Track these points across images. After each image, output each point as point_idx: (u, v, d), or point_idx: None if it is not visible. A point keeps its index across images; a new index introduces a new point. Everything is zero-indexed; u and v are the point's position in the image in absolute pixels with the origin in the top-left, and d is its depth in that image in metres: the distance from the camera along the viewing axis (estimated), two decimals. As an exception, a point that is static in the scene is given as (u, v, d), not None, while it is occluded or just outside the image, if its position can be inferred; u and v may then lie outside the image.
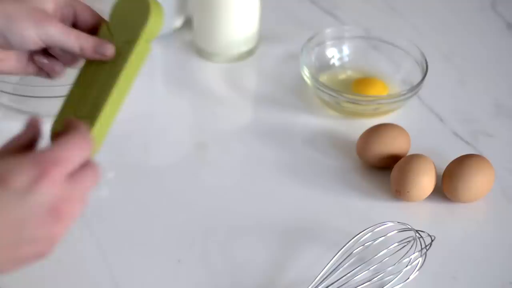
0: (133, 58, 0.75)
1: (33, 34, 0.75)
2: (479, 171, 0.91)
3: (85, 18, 0.78)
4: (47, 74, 0.81)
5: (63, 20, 0.77)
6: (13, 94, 0.97)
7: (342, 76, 1.09)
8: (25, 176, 0.59)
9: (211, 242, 0.88)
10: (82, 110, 0.74)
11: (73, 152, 0.62)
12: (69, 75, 1.07)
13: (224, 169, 0.97)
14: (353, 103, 1.01)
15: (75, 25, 0.78)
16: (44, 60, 0.79)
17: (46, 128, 1.00)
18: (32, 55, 0.80)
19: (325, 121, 1.04)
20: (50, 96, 0.96)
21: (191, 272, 0.86)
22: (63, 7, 0.77)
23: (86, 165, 0.63)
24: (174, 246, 0.88)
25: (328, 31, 1.09)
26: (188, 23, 1.16)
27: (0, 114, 1.02)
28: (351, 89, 1.06)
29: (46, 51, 0.80)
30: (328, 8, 1.22)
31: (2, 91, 0.97)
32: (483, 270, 0.87)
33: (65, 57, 0.80)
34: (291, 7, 1.22)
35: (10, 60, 0.79)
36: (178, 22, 1.16)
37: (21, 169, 0.60)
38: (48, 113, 1.00)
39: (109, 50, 0.76)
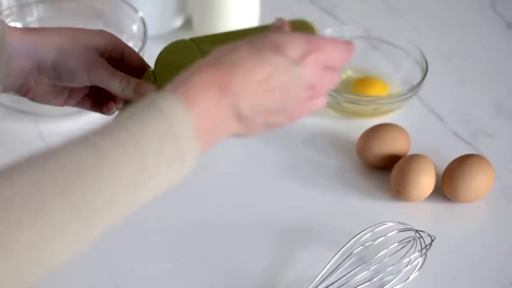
0: None
1: (84, 73, 0.76)
2: (479, 171, 0.91)
3: (132, 62, 0.80)
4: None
5: (110, 62, 0.78)
6: (13, 94, 0.97)
7: (342, 76, 1.09)
8: (299, 50, 0.67)
9: (211, 242, 0.88)
10: None
11: (336, 50, 0.70)
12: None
13: (224, 169, 0.97)
14: (353, 103, 1.01)
15: (120, 68, 0.79)
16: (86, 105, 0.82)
17: (46, 128, 1.00)
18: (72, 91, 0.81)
19: (325, 121, 1.04)
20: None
21: (191, 272, 0.86)
22: (112, 50, 0.78)
23: (335, 69, 0.71)
24: (174, 246, 0.88)
25: (328, 31, 1.09)
26: (188, 23, 1.16)
27: (0, 114, 1.02)
28: (351, 89, 1.06)
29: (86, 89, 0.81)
30: (328, 8, 1.22)
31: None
32: (483, 270, 0.87)
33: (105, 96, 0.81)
34: (291, 7, 1.22)
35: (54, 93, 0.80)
36: (178, 22, 1.16)
37: (296, 42, 0.67)
38: (48, 113, 1.01)
39: (149, 91, 0.76)
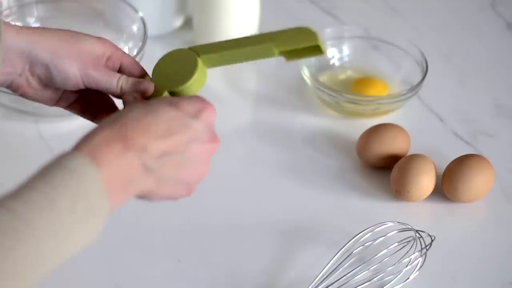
0: None
1: (77, 74, 0.76)
2: (479, 171, 0.91)
3: (130, 70, 0.79)
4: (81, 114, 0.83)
5: (108, 68, 0.78)
6: (13, 94, 0.97)
7: (342, 76, 1.09)
8: (195, 106, 0.71)
9: (211, 242, 0.88)
10: None
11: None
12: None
13: (224, 169, 0.97)
14: (353, 103, 1.01)
15: None
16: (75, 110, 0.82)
17: (46, 128, 1.00)
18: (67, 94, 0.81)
19: (325, 121, 1.04)
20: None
21: (191, 272, 0.86)
22: (110, 57, 0.78)
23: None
24: (174, 246, 0.88)
25: (328, 31, 1.09)
26: (188, 23, 1.16)
27: (0, 114, 1.02)
28: (351, 89, 1.06)
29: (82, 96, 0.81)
30: (328, 8, 1.22)
31: (2, 91, 0.97)
32: (483, 270, 0.87)
33: (102, 104, 0.81)
34: (291, 7, 1.22)
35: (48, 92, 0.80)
36: (178, 22, 1.16)
37: (191, 100, 0.72)
38: (48, 113, 1.00)
39: (148, 87, 0.77)
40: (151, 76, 0.79)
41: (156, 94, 0.77)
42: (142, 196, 0.69)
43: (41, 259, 0.61)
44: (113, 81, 0.77)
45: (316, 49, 0.77)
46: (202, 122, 0.71)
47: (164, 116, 0.69)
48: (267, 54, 0.79)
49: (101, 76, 0.77)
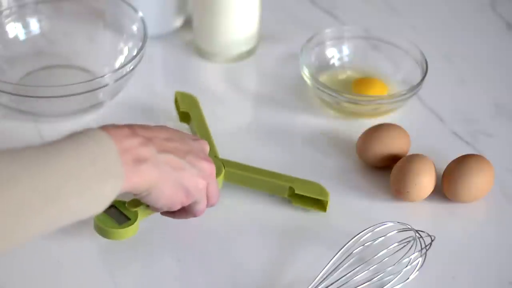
0: None
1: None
2: (479, 171, 0.91)
3: None
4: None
5: None
6: (13, 94, 0.97)
7: (342, 76, 1.09)
8: (192, 136, 0.85)
9: (211, 242, 0.89)
10: None
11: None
12: (68, 76, 1.07)
13: (224, 169, 0.97)
14: (353, 103, 1.01)
15: None
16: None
17: (46, 128, 1.00)
18: None
19: (325, 121, 1.04)
20: (50, 96, 0.96)
21: (191, 272, 0.86)
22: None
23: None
24: (174, 246, 0.88)
25: (328, 31, 1.09)
26: (188, 23, 1.16)
27: (0, 114, 1.02)
28: (351, 89, 1.06)
29: None
30: (328, 8, 1.22)
31: (2, 91, 0.97)
32: (483, 270, 0.88)
33: None
34: (291, 7, 1.22)
35: None
36: (178, 22, 1.16)
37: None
38: (48, 113, 1.01)
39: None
40: None
41: None
42: (149, 189, 0.76)
43: (75, 187, 0.68)
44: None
45: (320, 205, 0.91)
46: (199, 144, 0.83)
47: (168, 130, 0.81)
48: (278, 191, 0.91)
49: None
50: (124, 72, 0.99)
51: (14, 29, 1.08)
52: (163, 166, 0.77)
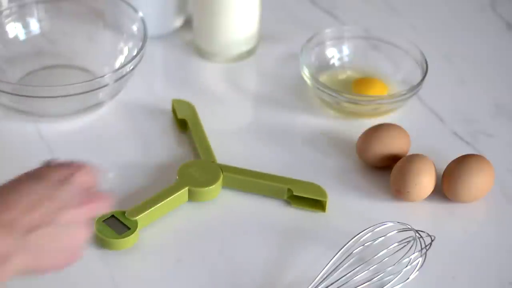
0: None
1: None
2: (479, 171, 0.91)
3: None
4: None
5: None
6: (13, 94, 0.97)
7: (342, 76, 1.09)
8: (61, 174, 0.72)
9: (211, 242, 0.89)
10: None
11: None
12: (68, 76, 1.07)
13: (224, 169, 0.97)
14: (353, 103, 1.01)
15: None
16: None
17: (46, 128, 1.00)
18: None
19: (325, 121, 1.04)
20: (50, 96, 0.96)
21: (191, 272, 0.86)
22: None
23: None
24: (174, 246, 0.88)
25: (328, 31, 1.09)
26: (188, 23, 1.16)
27: (0, 114, 1.02)
28: (351, 89, 1.06)
29: None
30: (328, 8, 1.22)
31: (2, 91, 0.97)
32: (483, 270, 0.88)
33: None
34: (291, 7, 1.22)
35: None
36: (178, 22, 1.16)
37: (58, 168, 0.72)
38: (48, 113, 1.01)
39: None
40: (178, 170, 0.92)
41: (178, 187, 0.90)
42: (25, 273, 0.69)
43: None
44: None
45: (319, 206, 0.91)
46: (72, 187, 0.71)
47: (26, 192, 0.69)
48: (277, 194, 0.92)
49: None
50: (124, 72, 0.99)
51: (14, 29, 1.08)
52: (35, 245, 0.69)
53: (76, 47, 1.08)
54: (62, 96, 0.96)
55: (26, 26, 1.08)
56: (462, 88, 1.11)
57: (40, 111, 1.00)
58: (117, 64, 1.05)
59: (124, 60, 1.05)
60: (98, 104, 1.01)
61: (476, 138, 1.02)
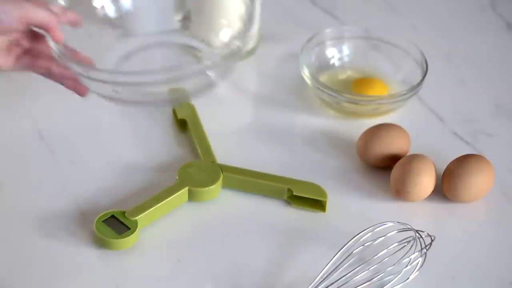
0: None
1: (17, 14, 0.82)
2: (479, 171, 0.91)
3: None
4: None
5: None
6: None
7: (342, 76, 1.09)
8: None
9: (211, 242, 0.89)
10: None
11: None
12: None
13: (224, 169, 0.97)
14: (353, 103, 1.01)
15: None
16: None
17: (46, 128, 1.00)
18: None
19: (325, 121, 1.04)
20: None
21: (191, 272, 0.86)
22: None
23: None
24: (174, 246, 0.88)
25: (328, 31, 1.09)
26: (187, 23, 1.16)
27: (0, 114, 1.01)
28: (351, 89, 1.06)
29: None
30: (328, 8, 1.22)
31: (117, 83, 0.93)
32: (483, 270, 0.87)
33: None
34: (291, 7, 1.22)
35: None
36: (177, 22, 1.15)
37: None
38: (48, 113, 1.00)
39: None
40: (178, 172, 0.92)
41: (178, 187, 0.90)
42: None
43: None
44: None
45: (319, 206, 0.91)
46: None
47: None
48: (277, 194, 0.92)
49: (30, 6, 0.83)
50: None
51: None
52: None
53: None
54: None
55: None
56: (462, 88, 1.11)
57: (40, 111, 0.99)
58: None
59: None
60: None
61: (476, 138, 1.02)
